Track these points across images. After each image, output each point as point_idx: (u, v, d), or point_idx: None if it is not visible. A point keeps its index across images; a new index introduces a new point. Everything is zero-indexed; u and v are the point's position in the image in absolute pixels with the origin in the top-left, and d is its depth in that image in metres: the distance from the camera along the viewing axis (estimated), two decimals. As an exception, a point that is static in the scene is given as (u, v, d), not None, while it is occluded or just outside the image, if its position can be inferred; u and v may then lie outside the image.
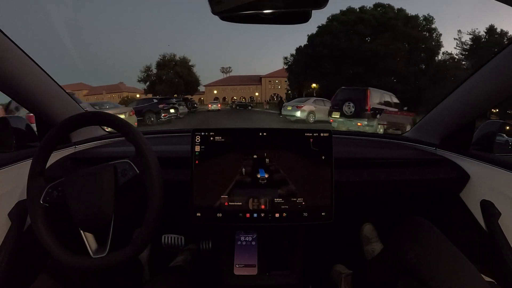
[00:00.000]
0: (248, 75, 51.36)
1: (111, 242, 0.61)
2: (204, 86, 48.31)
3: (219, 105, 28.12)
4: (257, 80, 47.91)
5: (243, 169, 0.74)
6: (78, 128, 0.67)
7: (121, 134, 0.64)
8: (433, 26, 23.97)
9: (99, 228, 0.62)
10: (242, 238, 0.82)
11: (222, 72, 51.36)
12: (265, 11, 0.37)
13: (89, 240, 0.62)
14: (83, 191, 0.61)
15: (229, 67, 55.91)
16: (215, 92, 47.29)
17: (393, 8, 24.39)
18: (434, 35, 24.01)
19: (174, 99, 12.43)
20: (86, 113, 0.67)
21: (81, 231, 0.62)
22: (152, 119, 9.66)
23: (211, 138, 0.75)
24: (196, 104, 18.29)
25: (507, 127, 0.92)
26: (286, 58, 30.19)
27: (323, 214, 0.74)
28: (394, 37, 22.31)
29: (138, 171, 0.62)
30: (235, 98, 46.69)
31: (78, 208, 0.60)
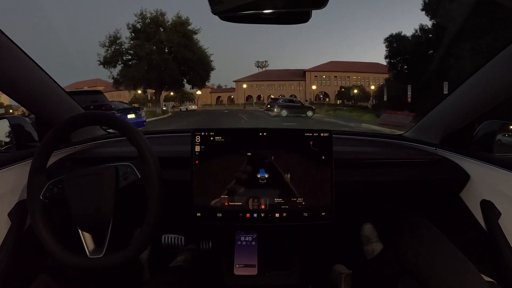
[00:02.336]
0: (288, 69, 40.10)
1: (109, 243, 0.61)
2: (234, 81, 39.62)
3: (195, 106, 28.61)
4: (299, 75, 37.38)
5: (243, 169, 0.74)
6: (78, 128, 0.68)
7: (122, 135, 0.64)
8: None
9: (97, 228, 0.62)
10: (242, 238, 0.82)
11: (257, 66, 42.03)
12: (265, 11, 0.37)
13: (87, 239, 0.63)
14: (84, 190, 0.61)
15: (265, 61, 46.33)
16: (244, 86, 38.03)
17: None
18: None
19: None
20: (86, 113, 0.67)
21: (79, 230, 0.62)
22: None
23: (211, 138, 0.75)
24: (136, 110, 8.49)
25: (508, 127, 0.92)
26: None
27: (323, 214, 0.74)
28: None
29: (139, 176, 0.63)
30: (272, 96, 34.83)
31: (78, 206, 0.61)
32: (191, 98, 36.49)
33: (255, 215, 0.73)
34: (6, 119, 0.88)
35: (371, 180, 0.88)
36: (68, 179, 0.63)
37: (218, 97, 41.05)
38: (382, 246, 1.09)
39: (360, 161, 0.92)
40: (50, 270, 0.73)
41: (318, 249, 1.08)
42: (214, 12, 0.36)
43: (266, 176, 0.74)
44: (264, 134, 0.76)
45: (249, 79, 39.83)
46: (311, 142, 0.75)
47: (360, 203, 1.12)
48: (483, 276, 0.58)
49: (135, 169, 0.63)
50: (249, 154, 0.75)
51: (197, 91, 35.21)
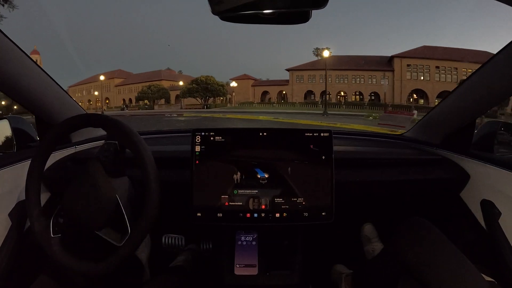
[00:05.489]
0: (366, 56, 25.86)
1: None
2: (287, 70, 26.84)
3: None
4: (383, 63, 24.09)
5: (243, 169, 0.74)
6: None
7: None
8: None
9: (112, 218, 0.62)
10: (243, 238, 0.82)
11: (316, 55, 29.90)
12: (265, 11, 0.37)
13: (109, 234, 0.62)
14: (82, 199, 0.61)
15: (327, 48, 30.55)
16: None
17: None
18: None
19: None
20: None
21: (98, 233, 0.62)
22: None
23: (211, 138, 0.75)
24: None
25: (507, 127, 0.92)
26: None
27: (323, 214, 0.74)
28: None
29: (119, 145, 0.63)
30: (343, 93, 24.57)
31: (86, 215, 0.60)
32: (221, 92, 25.76)
33: (255, 215, 0.73)
34: (6, 120, 0.88)
35: (371, 180, 0.88)
36: (66, 202, 0.62)
37: (264, 93, 28.39)
38: (382, 246, 1.09)
39: (360, 161, 0.92)
40: (50, 270, 0.73)
41: (318, 249, 1.08)
42: (214, 12, 0.36)
43: (266, 176, 0.74)
44: (264, 134, 0.76)
45: (309, 67, 26.38)
46: (311, 142, 0.75)
47: (360, 203, 1.12)
48: (483, 276, 0.58)
49: (112, 143, 0.63)
50: (250, 154, 0.75)
51: (231, 82, 26.90)
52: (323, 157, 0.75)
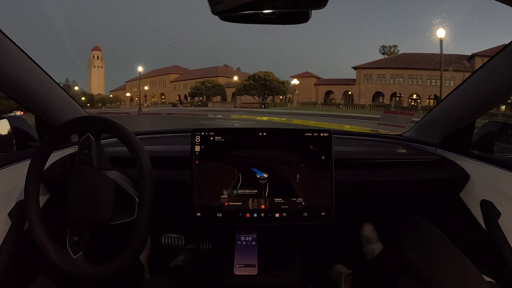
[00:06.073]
0: (451, 54, 20.60)
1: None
2: (354, 68, 23.61)
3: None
4: (462, 62, 19.83)
5: (243, 169, 0.74)
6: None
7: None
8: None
9: (118, 201, 0.62)
10: (242, 238, 0.82)
11: (382, 53, 27.39)
12: (265, 11, 0.37)
13: (122, 216, 0.63)
14: (85, 202, 0.61)
15: (394, 46, 27.49)
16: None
17: None
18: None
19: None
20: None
21: (112, 224, 0.63)
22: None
23: (211, 138, 0.75)
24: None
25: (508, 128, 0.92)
26: None
27: (323, 214, 0.74)
28: None
29: (92, 135, 0.63)
30: (416, 96, 21.49)
31: (95, 213, 0.61)
32: (281, 90, 22.81)
33: (255, 215, 0.74)
34: (6, 120, 0.88)
35: (371, 180, 0.88)
36: (70, 216, 0.63)
37: (328, 92, 25.11)
38: (382, 246, 1.09)
39: (360, 161, 0.92)
40: (50, 270, 0.73)
41: (318, 249, 1.08)
42: (214, 12, 0.36)
43: (266, 176, 0.74)
44: (264, 134, 0.76)
45: (378, 65, 23.21)
46: (311, 142, 0.75)
47: (360, 203, 1.12)
48: (483, 276, 0.58)
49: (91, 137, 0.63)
50: (249, 154, 0.75)
51: (292, 80, 23.98)
52: (323, 157, 0.75)
